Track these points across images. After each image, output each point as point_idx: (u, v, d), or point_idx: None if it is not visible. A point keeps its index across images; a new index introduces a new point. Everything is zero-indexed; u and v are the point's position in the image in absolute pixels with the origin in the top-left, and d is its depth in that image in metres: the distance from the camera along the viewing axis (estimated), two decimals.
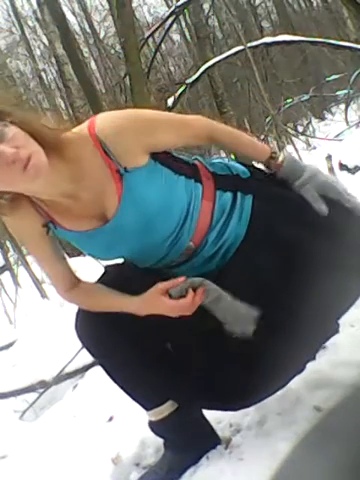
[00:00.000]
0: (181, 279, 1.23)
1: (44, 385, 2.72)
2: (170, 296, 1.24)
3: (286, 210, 1.33)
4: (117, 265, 1.47)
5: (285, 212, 1.32)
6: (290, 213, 1.32)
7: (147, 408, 1.48)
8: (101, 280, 1.41)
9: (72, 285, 1.36)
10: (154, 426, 1.50)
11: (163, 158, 1.28)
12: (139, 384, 1.43)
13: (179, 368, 1.37)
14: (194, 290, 1.23)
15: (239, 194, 1.31)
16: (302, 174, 1.34)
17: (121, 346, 1.37)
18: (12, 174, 1.11)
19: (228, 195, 1.31)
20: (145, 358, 1.38)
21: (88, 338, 1.41)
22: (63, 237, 1.32)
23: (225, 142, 1.40)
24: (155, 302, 1.25)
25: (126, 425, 1.87)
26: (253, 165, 1.46)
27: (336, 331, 1.42)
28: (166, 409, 1.46)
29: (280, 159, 1.37)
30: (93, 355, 1.46)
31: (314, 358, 1.46)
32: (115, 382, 1.45)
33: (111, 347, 1.38)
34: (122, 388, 1.45)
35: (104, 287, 1.35)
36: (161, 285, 1.25)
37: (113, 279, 1.39)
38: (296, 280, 1.24)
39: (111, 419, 2.02)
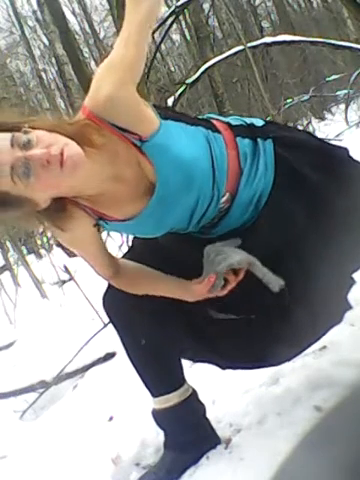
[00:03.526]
0: (212, 279, 1.28)
1: (44, 385, 2.72)
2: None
3: (306, 155, 1.34)
4: (142, 240, 1.49)
5: (305, 157, 1.34)
6: (311, 157, 1.34)
7: (155, 394, 1.49)
8: (128, 256, 1.43)
9: (115, 270, 1.37)
10: (157, 415, 1.51)
11: (174, 116, 1.25)
12: (156, 367, 1.46)
13: (217, 334, 1.42)
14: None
15: (259, 140, 1.31)
16: None
17: (146, 324, 1.40)
18: (52, 175, 1.06)
19: (247, 141, 1.31)
20: (172, 337, 1.42)
21: (114, 313, 1.44)
22: (115, 229, 1.33)
23: None
24: (203, 296, 1.32)
25: (126, 425, 1.88)
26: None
27: (353, 282, 1.44)
28: (173, 398, 1.47)
29: None
30: (117, 330, 1.47)
31: (351, 307, 1.46)
32: (131, 361, 1.47)
33: (135, 325, 1.41)
34: (136, 369, 1.47)
35: (145, 270, 1.37)
36: (199, 289, 1.30)
37: (139, 254, 1.41)
38: (322, 228, 1.28)
39: (111, 419, 2.02)
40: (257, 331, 1.38)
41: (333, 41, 5.48)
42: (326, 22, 15.28)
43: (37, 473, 1.82)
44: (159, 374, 1.47)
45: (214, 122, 1.32)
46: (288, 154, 1.32)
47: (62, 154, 1.06)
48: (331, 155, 1.37)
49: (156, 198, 1.22)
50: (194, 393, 1.52)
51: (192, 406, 1.51)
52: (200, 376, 1.73)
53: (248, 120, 1.37)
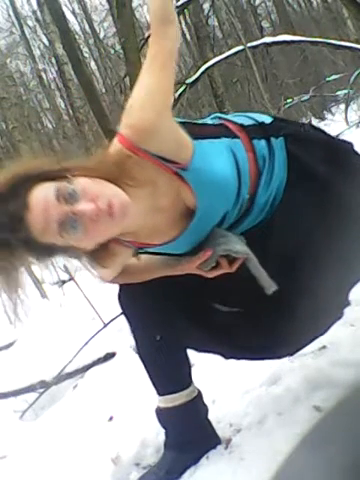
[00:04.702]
0: (208, 253, 1.27)
1: (44, 385, 2.72)
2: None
3: (314, 149, 1.35)
4: None
5: (314, 151, 1.34)
6: (318, 151, 1.35)
7: (161, 392, 1.49)
8: None
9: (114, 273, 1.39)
10: (161, 414, 1.51)
11: (198, 132, 1.23)
12: (166, 365, 1.46)
13: (222, 325, 1.43)
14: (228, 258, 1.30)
15: (272, 139, 1.32)
16: None
17: (162, 319, 1.41)
18: (102, 226, 1.07)
19: (263, 142, 1.31)
20: (181, 331, 1.43)
21: (129, 308, 1.45)
22: (155, 251, 1.33)
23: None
24: (190, 270, 1.32)
25: (126, 425, 1.88)
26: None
27: None
28: (180, 398, 1.48)
29: None
30: (130, 325, 1.48)
31: (349, 303, 1.46)
32: (141, 357, 1.48)
33: (150, 320, 1.42)
34: (145, 365, 1.48)
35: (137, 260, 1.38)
36: (191, 261, 1.29)
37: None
38: (331, 221, 1.28)
39: (111, 419, 2.02)
40: (262, 321, 1.38)
41: (333, 41, 5.49)
42: (326, 22, 15.28)
43: (37, 473, 1.82)
44: (168, 372, 1.48)
45: (229, 125, 1.31)
46: (298, 149, 1.33)
47: (111, 206, 1.05)
48: (338, 149, 1.38)
49: (196, 220, 1.23)
50: (199, 394, 1.53)
51: (197, 407, 1.51)
52: (200, 376, 1.73)
53: (258, 118, 1.37)
